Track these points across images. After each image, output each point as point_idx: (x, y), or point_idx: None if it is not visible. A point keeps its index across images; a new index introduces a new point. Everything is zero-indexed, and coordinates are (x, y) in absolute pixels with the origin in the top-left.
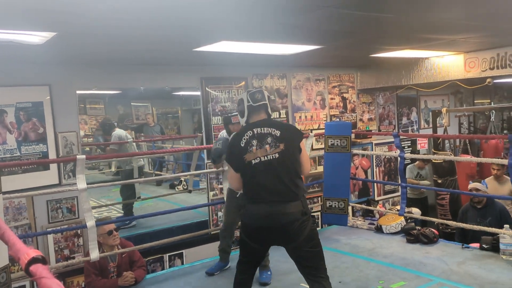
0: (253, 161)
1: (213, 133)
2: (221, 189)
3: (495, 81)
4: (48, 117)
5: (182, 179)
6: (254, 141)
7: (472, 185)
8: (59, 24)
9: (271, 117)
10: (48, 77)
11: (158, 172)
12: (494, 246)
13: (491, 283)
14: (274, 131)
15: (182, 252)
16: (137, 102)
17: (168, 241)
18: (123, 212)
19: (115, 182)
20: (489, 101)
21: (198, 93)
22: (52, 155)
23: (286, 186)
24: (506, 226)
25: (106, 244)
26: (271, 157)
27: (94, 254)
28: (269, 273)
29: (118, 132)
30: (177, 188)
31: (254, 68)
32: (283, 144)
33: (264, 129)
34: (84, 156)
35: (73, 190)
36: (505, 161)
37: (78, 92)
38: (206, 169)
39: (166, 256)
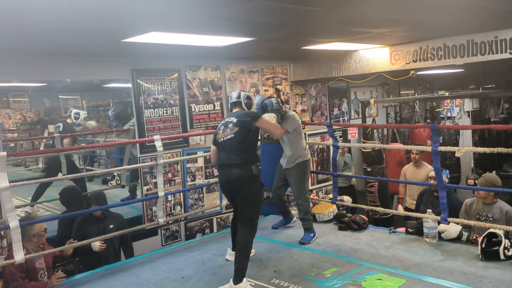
0: (219, 140)
1: (145, 126)
2: (155, 183)
3: (418, 73)
4: None
5: (115, 173)
6: (222, 126)
7: (432, 172)
8: None
9: (245, 110)
10: None
11: (89, 168)
12: (418, 230)
13: (415, 265)
14: (233, 119)
15: None
16: (65, 94)
17: (99, 238)
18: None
19: (39, 179)
20: (413, 92)
21: (130, 85)
22: None
23: (233, 157)
24: (429, 210)
25: (36, 243)
26: (229, 137)
27: (19, 256)
28: (311, 235)
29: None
30: (110, 183)
31: (187, 60)
32: (237, 128)
33: (230, 118)
34: (5, 153)
35: None
36: (428, 148)
37: None
38: (139, 163)
39: None
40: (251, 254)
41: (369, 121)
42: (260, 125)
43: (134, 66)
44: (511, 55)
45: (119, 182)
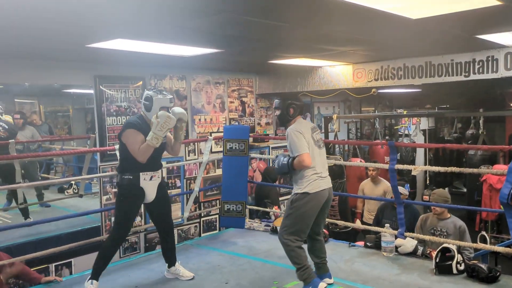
0: None
1: (107, 134)
2: (115, 192)
3: (379, 91)
4: None
5: (73, 182)
6: None
7: None
8: None
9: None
10: None
11: (45, 175)
12: (376, 244)
13: (373, 278)
14: None
15: (71, 261)
16: (21, 98)
17: (54, 250)
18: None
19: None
20: (373, 109)
21: (92, 91)
22: None
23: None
24: (387, 225)
25: None
26: None
27: None
28: None
29: None
30: (67, 192)
31: (152, 68)
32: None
33: None
34: None
35: None
36: (386, 166)
37: None
38: (100, 172)
39: (52, 266)
40: (189, 278)
41: (331, 136)
42: (123, 140)
43: (97, 72)
44: (465, 78)
45: (76, 191)
